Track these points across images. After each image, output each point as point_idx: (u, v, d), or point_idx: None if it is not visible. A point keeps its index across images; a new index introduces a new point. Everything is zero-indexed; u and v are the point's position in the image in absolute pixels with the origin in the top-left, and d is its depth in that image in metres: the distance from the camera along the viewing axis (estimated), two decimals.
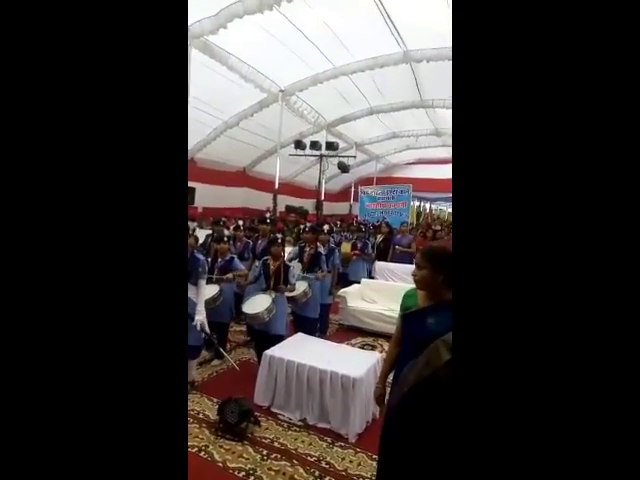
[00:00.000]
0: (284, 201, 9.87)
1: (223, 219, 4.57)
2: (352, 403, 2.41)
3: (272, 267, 3.25)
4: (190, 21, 6.12)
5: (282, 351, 2.76)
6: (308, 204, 13.13)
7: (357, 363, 2.62)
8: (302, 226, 4.19)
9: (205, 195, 10.18)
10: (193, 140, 7.70)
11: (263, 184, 11.90)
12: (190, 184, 7.74)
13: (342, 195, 15.25)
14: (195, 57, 6.45)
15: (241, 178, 12.10)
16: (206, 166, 10.39)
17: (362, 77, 8.01)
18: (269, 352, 2.74)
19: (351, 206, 13.67)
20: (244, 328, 4.21)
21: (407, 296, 1.66)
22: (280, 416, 2.64)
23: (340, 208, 13.85)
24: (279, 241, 3.26)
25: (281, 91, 8.29)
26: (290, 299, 3.43)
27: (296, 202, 13.16)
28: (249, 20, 5.84)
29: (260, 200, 11.38)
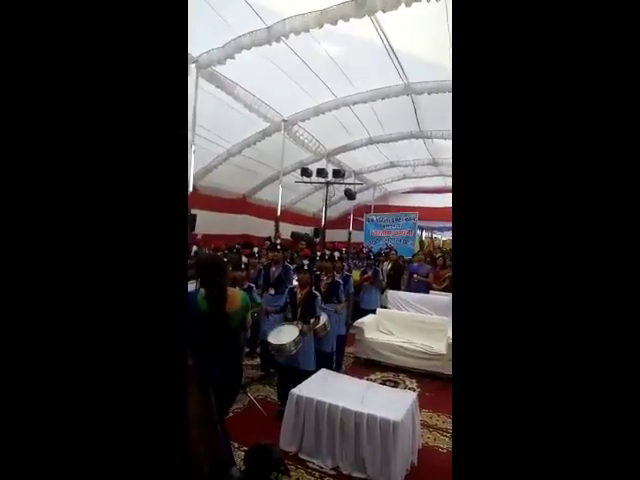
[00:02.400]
0: (283, 228, 9.78)
1: (237, 246, 4.41)
2: (393, 450, 2.20)
3: (299, 296, 3.08)
4: (199, 52, 6.22)
5: (309, 390, 2.56)
6: (306, 231, 13.06)
7: (393, 404, 2.43)
8: (319, 253, 4.03)
9: (205, 222, 10.04)
10: (196, 167, 7.68)
11: (263, 211, 11.85)
12: (192, 211, 7.63)
13: (339, 222, 15.25)
14: (202, 86, 6.52)
15: (241, 205, 12.03)
16: (207, 193, 10.31)
17: (363, 108, 8.17)
18: (296, 391, 2.54)
19: (350, 233, 13.64)
20: (256, 362, 3.98)
21: None
22: (310, 464, 2.41)
23: (339, 235, 13.78)
24: (306, 268, 3.09)
25: (284, 121, 8.40)
26: None
27: (295, 229, 13.11)
28: (256, 51, 5.96)
29: (260, 227, 11.28)
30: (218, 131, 8.36)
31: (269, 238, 8.75)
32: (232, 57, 6.05)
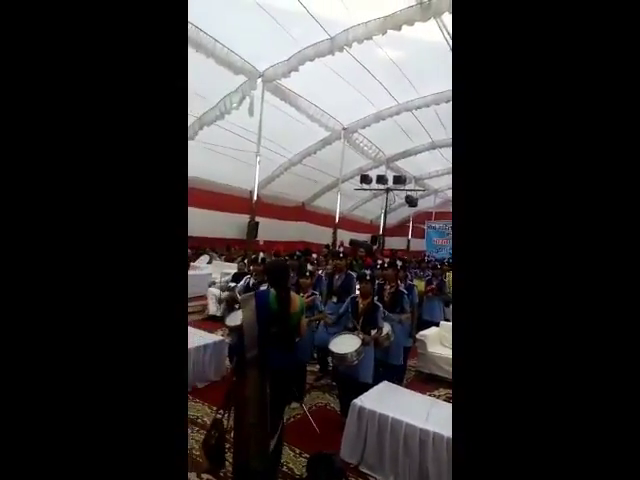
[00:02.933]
0: (341, 235, 9.82)
1: (297, 253, 4.52)
2: None
3: (361, 306, 3.05)
4: (265, 66, 6.52)
5: (372, 402, 2.50)
6: (364, 238, 12.99)
7: None
8: (379, 262, 3.97)
9: (266, 229, 10.44)
10: (260, 177, 8.04)
11: (321, 218, 12.02)
12: (255, 219, 8.00)
13: (398, 229, 14.92)
14: (267, 99, 6.81)
15: (300, 212, 12.33)
16: (268, 201, 10.73)
17: (426, 112, 7.95)
18: (358, 402, 2.50)
19: (409, 241, 13.28)
20: (315, 368, 4.01)
21: None
22: (371, 478, 2.35)
23: (397, 243, 13.50)
24: (368, 278, 3.06)
25: (344, 129, 8.47)
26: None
27: (352, 237, 13.12)
28: (319, 62, 6.10)
29: (318, 234, 11.45)
30: (281, 142, 8.69)
31: (327, 246, 8.84)
32: (296, 69, 6.26)
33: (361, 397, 2.56)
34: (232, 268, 7.07)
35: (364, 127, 8.51)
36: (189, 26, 5.20)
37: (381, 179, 9.36)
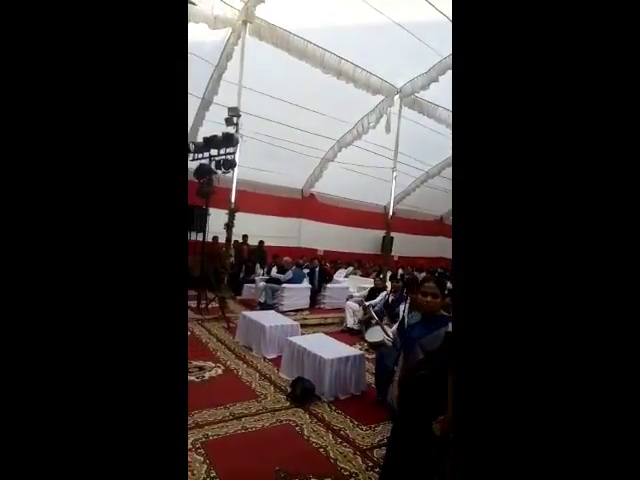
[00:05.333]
0: None
1: (439, 270, 4.26)
2: None
3: None
4: (402, 82, 6.55)
5: None
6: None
7: None
8: None
9: (401, 244, 10.28)
10: (395, 192, 8.03)
11: None
12: (390, 234, 8.00)
13: None
14: (405, 114, 6.80)
15: (437, 227, 11.76)
16: (403, 216, 10.58)
17: None
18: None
19: None
20: None
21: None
22: None
23: None
24: None
25: None
26: None
27: None
28: None
29: None
30: (418, 155, 8.52)
31: None
32: (436, 80, 6.08)
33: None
34: (367, 283, 7.16)
35: None
36: (332, 56, 5.63)
37: None
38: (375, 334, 3.41)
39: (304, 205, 9.38)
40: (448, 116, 7.23)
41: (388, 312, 3.63)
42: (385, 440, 2.85)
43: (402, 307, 3.17)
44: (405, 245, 10.56)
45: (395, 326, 2.95)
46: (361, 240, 10.61)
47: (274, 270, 6.62)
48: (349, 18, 5.24)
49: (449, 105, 7.08)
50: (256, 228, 7.87)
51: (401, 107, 6.69)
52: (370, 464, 2.52)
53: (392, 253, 10.16)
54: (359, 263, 9.86)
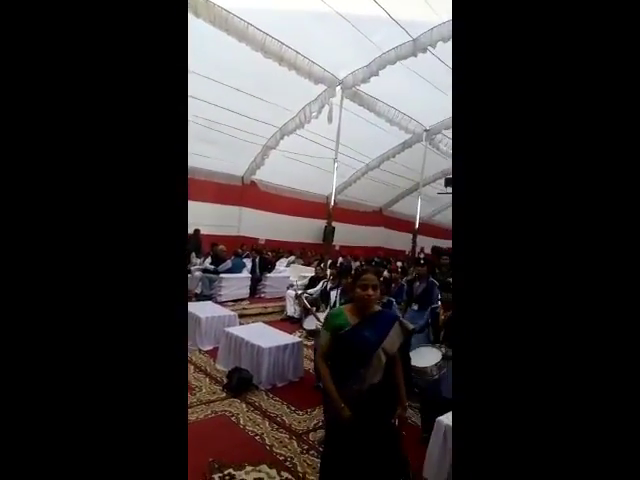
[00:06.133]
0: (422, 241, 9.44)
1: (376, 259, 4.44)
2: None
3: (442, 317, 2.87)
4: (344, 74, 6.61)
5: None
6: (447, 245, 12.33)
7: None
8: None
9: (342, 234, 10.51)
10: (337, 182, 8.16)
11: (399, 224, 11.73)
12: (332, 224, 8.14)
13: None
14: (346, 106, 6.88)
15: (377, 218, 12.19)
16: (344, 207, 10.80)
17: None
18: (444, 420, 2.33)
19: None
20: None
21: (335, 315, 1.78)
22: None
23: None
24: (451, 287, 2.87)
25: (426, 131, 8.16)
26: None
27: (433, 243, 12.57)
28: (400, 65, 5.97)
29: (395, 240, 11.19)
30: (359, 147, 8.69)
31: (422, 250, 8.46)
32: (376, 74, 6.22)
33: (447, 415, 2.38)
34: (308, 271, 7.24)
35: (448, 128, 8.09)
36: (273, 41, 5.50)
37: None
38: (312, 322, 3.47)
39: (245, 193, 9.15)
40: (388, 110, 7.46)
41: (325, 299, 3.71)
42: (321, 423, 2.95)
43: (334, 293, 3.25)
44: (346, 235, 10.80)
45: (326, 312, 3.01)
46: (303, 229, 10.66)
47: (208, 260, 6.41)
48: (291, 3, 5.14)
49: (389, 100, 7.31)
50: (191, 216, 7.48)
51: (342, 98, 6.75)
52: (305, 447, 2.58)
53: (334, 243, 10.35)
54: (301, 252, 9.91)
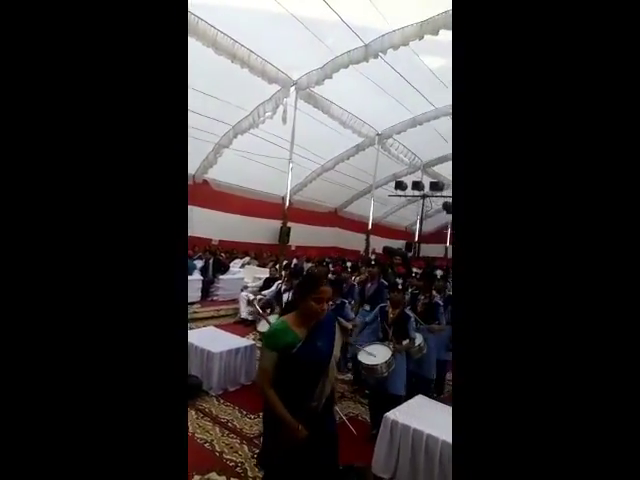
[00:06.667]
0: (374, 242, 9.70)
1: (327, 259, 4.50)
2: None
3: (391, 315, 2.97)
4: (298, 75, 6.61)
5: (405, 417, 2.41)
6: (398, 245, 12.76)
7: None
8: (415, 270, 3.86)
9: (298, 234, 10.53)
10: (292, 183, 8.15)
11: (353, 224, 11.96)
12: (287, 224, 8.11)
13: (435, 236, 14.52)
14: (300, 107, 6.89)
15: (332, 218, 12.34)
16: (300, 207, 10.82)
17: None
18: (391, 416, 2.41)
19: (447, 249, 12.87)
20: (347, 377, 3.94)
21: (281, 332, 1.55)
22: None
23: (434, 250, 13.14)
24: (400, 287, 2.98)
25: (378, 135, 8.39)
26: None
27: (386, 243, 12.95)
28: (353, 69, 6.10)
29: (350, 240, 11.39)
30: (314, 149, 8.75)
31: (374, 251, 8.66)
32: (330, 77, 6.29)
33: (395, 411, 2.47)
34: (263, 273, 7.16)
35: (399, 132, 8.39)
36: (226, 37, 5.37)
37: (417, 185, 9.18)
38: (267, 324, 3.44)
39: (196, 192, 8.84)
40: (342, 113, 7.58)
41: (279, 301, 3.69)
42: None
43: (285, 296, 3.24)
44: (302, 235, 10.82)
45: (278, 316, 3.00)
46: (259, 230, 10.52)
47: None
48: (243, 2, 5.05)
49: (343, 103, 7.43)
50: None
51: (297, 99, 6.76)
52: (257, 451, 2.55)
53: (289, 243, 10.33)
54: (256, 253, 9.77)
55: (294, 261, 6.09)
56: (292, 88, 6.70)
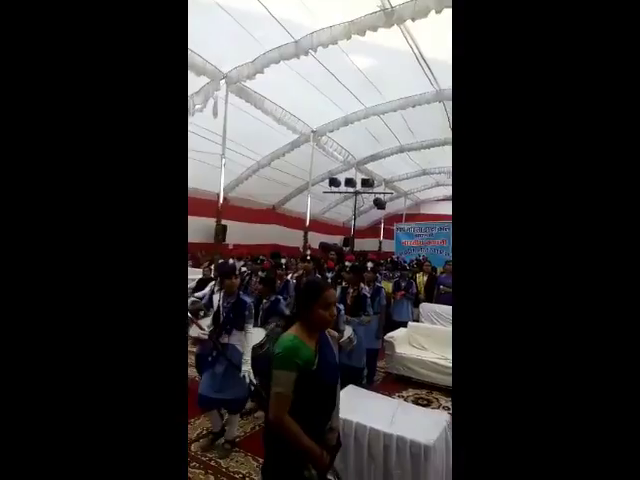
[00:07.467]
0: (313, 238, 9.80)
1: (261, 257, 4.43)
2: (424, 476, 2.06)
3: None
4: (228, 67, 6.40)
5: None
6: (336, 241, 13.03)
7: (425, 425, 2.29)
8: (348, 264, 3.94)
9: (236, 232, 10.26)
10: (226, 179, 7.90)
11: (292, 221, 11.95)
12: (222, 222, 7.84)
13: (370, 231, 15.09)
14: (232, 101, 6.69)
15: (271, 215, 12.21)
16: (237, 204, 10.55)
17: (393, 116, 8.07)
18: None
19: (381, 243, 13.44)
20: None
21: (298, 348, 1.33)
22: None
23: (369, 244, 13.63)
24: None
25: (313, 132, 8.46)
26: None
27: (324, 239, 13.15)
28: (285, 65, 6.05)
29: (289, 237, 11.38)
30: (248, 144, 8.55)
31: (309, 246, 8.73)
32: (261, 72, 6.18)
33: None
34: (198, 273, 6.85)
35: (332, 131, 8.53)
36: None
37: (350, 182, 9.42)
38: (196, 329, 3.30)
39: None
40: (275, 109, 7.50)
41: (212, 303, 3.55)
42: (205, 432, 2.82)
43: (216, 297, 3.12)
44: (241, 233, 10.56)
45: (210, 319, 2.89)
46: (193, 229, 10.01)
47: None
48: None
49: (276, 99, 7.35)
50: None
51: (227, 93, 6.54)
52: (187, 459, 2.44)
53: (227, 242, 10.02)
54: (191, 253, 9.32)
55: (230, 260, 5.91)
56: (222, 81, 6.47)
